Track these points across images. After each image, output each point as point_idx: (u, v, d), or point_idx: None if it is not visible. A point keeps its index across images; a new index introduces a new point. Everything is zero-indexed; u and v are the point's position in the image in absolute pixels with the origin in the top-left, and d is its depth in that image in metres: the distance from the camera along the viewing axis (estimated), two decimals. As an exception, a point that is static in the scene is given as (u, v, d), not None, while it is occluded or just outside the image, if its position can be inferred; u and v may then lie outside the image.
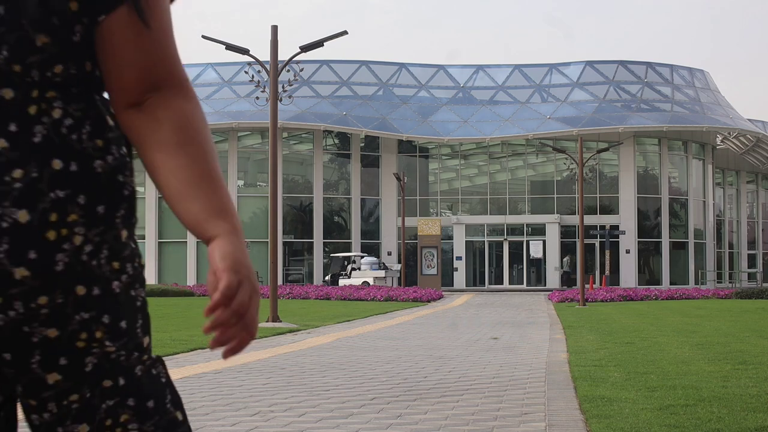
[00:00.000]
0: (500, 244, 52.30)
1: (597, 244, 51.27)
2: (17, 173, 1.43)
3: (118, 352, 1.53)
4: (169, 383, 1.61)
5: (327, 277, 48.40)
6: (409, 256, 49.61)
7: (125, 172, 1.53)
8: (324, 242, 51.89)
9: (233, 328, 1.51)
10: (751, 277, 62.76)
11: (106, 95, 1.56)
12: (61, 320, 1.47)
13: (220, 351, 1.51)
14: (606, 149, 41.86)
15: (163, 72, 1.55)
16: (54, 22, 1.46)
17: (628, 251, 51.10)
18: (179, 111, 1.55)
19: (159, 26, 1.55)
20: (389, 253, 51.59)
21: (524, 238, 51.94)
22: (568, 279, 49.94)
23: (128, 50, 1.52)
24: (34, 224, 1.43)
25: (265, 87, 23.19)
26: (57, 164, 1.45)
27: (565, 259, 50.57)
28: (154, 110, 1.54)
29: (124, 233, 1.52)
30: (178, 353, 11.74)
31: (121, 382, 1.53)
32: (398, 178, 45.83)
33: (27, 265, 1.43)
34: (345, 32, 20.91)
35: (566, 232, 51.73)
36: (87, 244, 1.47)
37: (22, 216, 1.42)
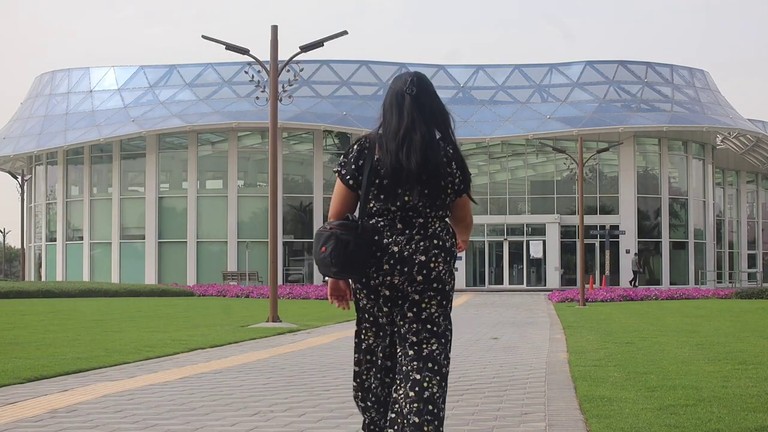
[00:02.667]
0: (500, 244, 52.30)
1: (597, 244, 51.28)
2: (422, 244, 4.46)
3: (440, 309, 4.52)
4: (449, 324, 4.60)
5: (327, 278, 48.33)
6: (409, 256, 49.54)
7: (454, 247, 4.57)
8: (324, 242, 51.81)
9: (462, 249, 4.74)
10: (751, 277, 62.75)
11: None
12: (423, 292, 4.47)
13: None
14: (606, 149, 41.83)
15: (468, 216, 4.70)
16: (443, 197, 4.52)
17: (628, 251, 51.08)
18: (468, 225, 4.73)
19: (470, 200, 4.64)
20: (389, 253, 51.54)
21: (524, 238, 51.94)
22: (639, 277, 49.28)
23: (461, 209, 4.64)
24: (426, 261, 4.45)
25: (265, 87, 23.17)
26: (435, 242, 4.48)
27: (633, 258, 50.32)
28: (461, 223, 4.70)
29: (453, 268, 4.54)
30: (178, 353, 11.73)
31: (435, 329, 4.52)
32: (398, 178, 45.83)
33: (422, 275, 4.46)
34: (345, 32, 20.89)
35: (566, 232, 51.73)
36: (442, 270, 4.49)
37: (422, 258, 4.45)
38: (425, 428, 4.29)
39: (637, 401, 7.19)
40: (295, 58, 21.41)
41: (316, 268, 54.31)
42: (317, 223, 51.48)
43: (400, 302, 4.50)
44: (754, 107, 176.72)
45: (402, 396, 4.38)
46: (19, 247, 66.03)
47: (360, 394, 4.66)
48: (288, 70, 23.35)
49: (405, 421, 4.34)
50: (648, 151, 53.71)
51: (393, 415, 4.44)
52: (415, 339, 4.48)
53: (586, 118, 50.41)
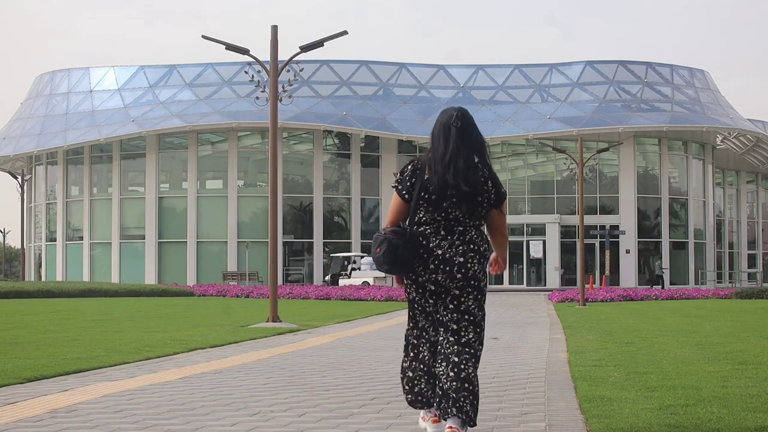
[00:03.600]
0: (500, 244, 52.29)
1: (597, 244, 51.28)
2: (461, 248, 5.64)
3: (476, 303, 5.73)
4: (483, 314, 5.79)
5: (327, 277, 48.35)
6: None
7: (487, 252, 5.74)
8: (324, 242, 51.90)
9: (502, 269, 5.88)
10: (751, 277, 62.77)
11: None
12: (462, 288, 5.66)
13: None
14: (606, 149, 41.83)
15: (502, 226, 5.83)
16: (479, 209, 5.68)
17: (628, 251, 51.09)
18: (504, 235, 5.88)
19: (504, 213, 5.79)
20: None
21: (524, 238, 51.95)
22: (660, 279, 48.91)
23: (495, 219, 5.79)
24: (464, 262, 5.64)
25: (265, 87, 23.16)
26: (472, 246, 5.67)
27: (657, 263, 50.29)
28: (498, 233, 5.86)
29: (484, 266, 5.73)
30: (178, 353, 11.73)
31: (472, 319, 5.69)
32: (398, 178, 45.76)
33: (461, 273, 5.64)
34: (345, 32, 20.88)
35: (566, 232, 51.74)
36: (478, 269, 5.67)
37: (461, 259, 5.64)
38: (462, 402, 5.49)
39: (637, 401, 7.19)
40: (295, 58, 21.41)
41: (316, 268, 54.59)
42: (317, 223, 51.57)
43: (443, 296, 5.67)
44: (754, 107, 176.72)
45: (443, 374, 5.55)
46: (19, 247, 66.04)
47: (413, 364, 5.80)
48: (288, 70, 23.34)
49: (445, 397, 5.52)
50: (648, 151, 53.71)
51: (439, 392, 5.62)
52: (455, 327, 5.65)
53: (586, 118, 50.41)
